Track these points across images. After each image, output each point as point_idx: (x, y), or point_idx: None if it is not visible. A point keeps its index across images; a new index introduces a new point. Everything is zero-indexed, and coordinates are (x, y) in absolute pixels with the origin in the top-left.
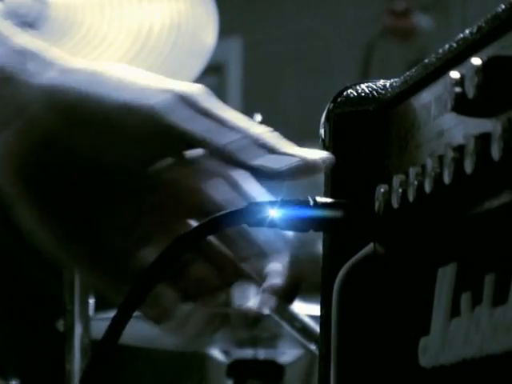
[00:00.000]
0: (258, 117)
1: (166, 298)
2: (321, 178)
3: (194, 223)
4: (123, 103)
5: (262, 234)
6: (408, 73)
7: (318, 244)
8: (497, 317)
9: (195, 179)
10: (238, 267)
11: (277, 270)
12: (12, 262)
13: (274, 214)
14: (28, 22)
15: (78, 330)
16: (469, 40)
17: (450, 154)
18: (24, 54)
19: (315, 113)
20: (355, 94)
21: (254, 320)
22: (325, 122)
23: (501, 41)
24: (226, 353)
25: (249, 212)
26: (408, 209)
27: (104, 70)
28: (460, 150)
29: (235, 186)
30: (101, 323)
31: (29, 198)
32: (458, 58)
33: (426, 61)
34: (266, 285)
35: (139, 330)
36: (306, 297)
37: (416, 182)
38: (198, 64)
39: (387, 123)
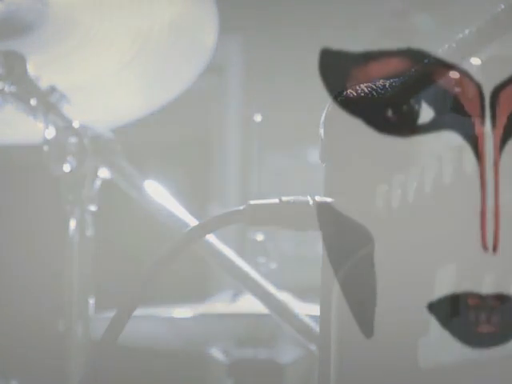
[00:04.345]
0: (258, 117)
1: None
2: (321, 178)
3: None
4: None
5: None
6: (408, 73)
7: (317, 244)
8: (496, 317)
9: None
10: None
11: None
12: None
13: None
14: (28, 22)
15: (78, 330)
16: (468, 40)
17: (450, 154)
18: None
19: (315, 113)
20: (355, 94)
21: None
22: (324, 122)
23: (500, 41)
24: (225, 353)
25: (247, 212)
26: (408, 209)
27: None
28: (459, 150)
29: None
30: (101, 323)
31: None
32: (457, 58)
33: (426, 61)
34: None
35: (139, 330)
36: (306, 297)
37: (416, 182)
38: (198, 64)
39: (387, 123)
